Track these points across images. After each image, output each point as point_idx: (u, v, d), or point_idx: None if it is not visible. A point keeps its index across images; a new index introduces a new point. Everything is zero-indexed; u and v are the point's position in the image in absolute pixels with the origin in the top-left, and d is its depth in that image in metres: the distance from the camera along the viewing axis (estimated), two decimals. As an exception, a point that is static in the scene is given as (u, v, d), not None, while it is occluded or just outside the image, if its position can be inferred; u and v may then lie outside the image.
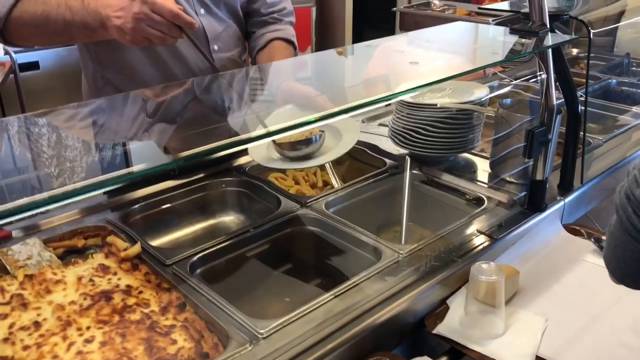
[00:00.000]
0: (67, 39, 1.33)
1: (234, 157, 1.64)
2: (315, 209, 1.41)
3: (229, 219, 1.55)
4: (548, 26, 1.26)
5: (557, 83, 1.44)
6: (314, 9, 5.29)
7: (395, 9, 3.36)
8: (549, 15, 1.43)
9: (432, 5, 3.49)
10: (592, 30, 1.40)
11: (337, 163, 1.80)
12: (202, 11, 1.48)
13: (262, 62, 1.61)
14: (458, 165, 1.67)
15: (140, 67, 1.49)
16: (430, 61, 1.13)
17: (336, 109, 0.83)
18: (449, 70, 0.94)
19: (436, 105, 1.50)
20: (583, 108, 1.45)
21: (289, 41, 1.64)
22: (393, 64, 1.07)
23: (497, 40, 1.25)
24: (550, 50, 1.26)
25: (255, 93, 1.24)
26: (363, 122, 1.99)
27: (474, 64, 1.01)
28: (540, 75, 1.27)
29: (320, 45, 5.45)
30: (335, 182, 1.67)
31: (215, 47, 1.54)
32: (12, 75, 3.13)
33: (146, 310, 1.07)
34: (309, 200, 1.43)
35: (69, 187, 0.70)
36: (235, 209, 1.56)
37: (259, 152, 1.46)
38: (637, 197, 0.73)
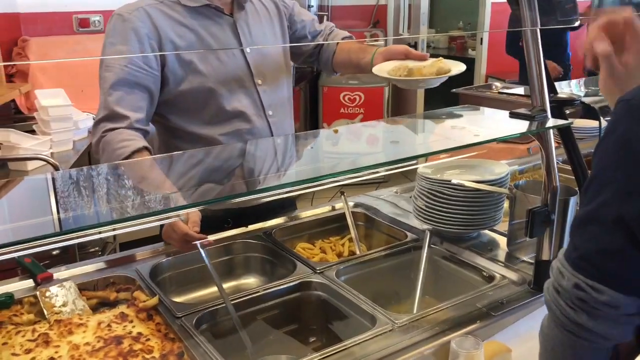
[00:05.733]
0: None
1: (262, 218, 1.77)
2: (327, 276, 1.48)
3: (252, 281, 1.66)
4: (548, 111, 1.31)
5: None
6: (387, 88, 5.52)
7: (454, 90, 3.46)
8: (561, 100, 1.48)
9: (493, 87, 3.56)
10: (602, 118, 1.43)
11: (365, 235, 1.88)
12: (248, 50, 1.67)
13: (340, 61, 1.89)
14: (480, 243, 1.69)
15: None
16: (409, 141, 1.21)
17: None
18: (419, 149, 1.02)
19: (450, 181, 1.56)
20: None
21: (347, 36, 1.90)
22: (376, 142, 1.16)
23: (491, 124, 1.31)
24: (550, 132, 1.30)
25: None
26: (396, 192, 2.06)
27: (446, 145, 1.08)
28: (543, 157, 1.31)
29: (392, 122, 5.62)
30: (359, 252, 1.74)
31: (259, 81, 1.70)
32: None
33: (147, 356, 1.17)
34: (321, 268, 1.51)
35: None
36: (258, 272, 1.67)
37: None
38: (565, 287, 0.73)
